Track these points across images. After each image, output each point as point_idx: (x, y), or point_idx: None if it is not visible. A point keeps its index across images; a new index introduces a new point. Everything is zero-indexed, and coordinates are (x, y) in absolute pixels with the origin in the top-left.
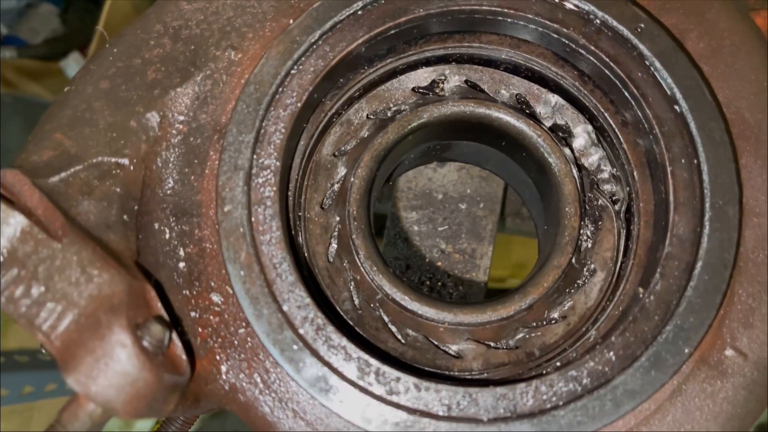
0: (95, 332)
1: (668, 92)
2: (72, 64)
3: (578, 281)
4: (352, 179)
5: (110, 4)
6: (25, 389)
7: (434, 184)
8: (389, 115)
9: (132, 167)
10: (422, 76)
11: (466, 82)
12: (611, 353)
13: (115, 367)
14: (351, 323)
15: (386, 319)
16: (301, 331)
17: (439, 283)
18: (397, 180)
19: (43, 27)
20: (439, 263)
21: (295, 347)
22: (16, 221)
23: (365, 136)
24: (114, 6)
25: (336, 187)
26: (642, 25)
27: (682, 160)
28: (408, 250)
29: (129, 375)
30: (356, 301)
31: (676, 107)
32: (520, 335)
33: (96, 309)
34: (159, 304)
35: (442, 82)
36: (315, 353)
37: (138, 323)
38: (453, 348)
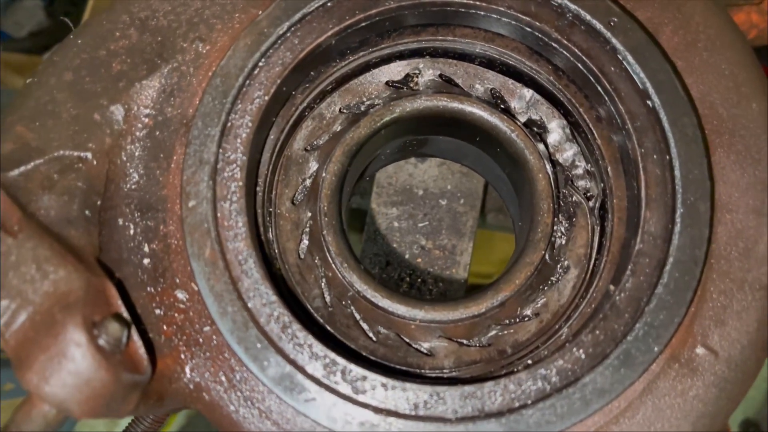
0: (50, 330)
1: (641, 87)
2: None
3: (552, 278)
4: (324, 174)
5: None
6: None
7: (415, 180)
8: (362, 109)
9: (95, 161)
10: (396, 70)
11: (440, 76)
12: (581, 351)
13: (69, 366)
14: (321, 321)
15: (357, 316)
16: (266, 329)
17: (419, 280)
18: (378, 175)
19: (28, 20)
20: (419, 259)
21: (259, 345)
22: None
23: (338, 130)
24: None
25: (308, 182)
26: (615, 19)
27: (654, 156)
28: (388, 246)
29: (84, 374)
30: (327, 299)
31: (649, 102)
32: (493, 332)
33: (51, 306)
34: (119, 302)
35: (416, 76)
36: (280, 351)
37: (95, 321)
38: (425, 345)
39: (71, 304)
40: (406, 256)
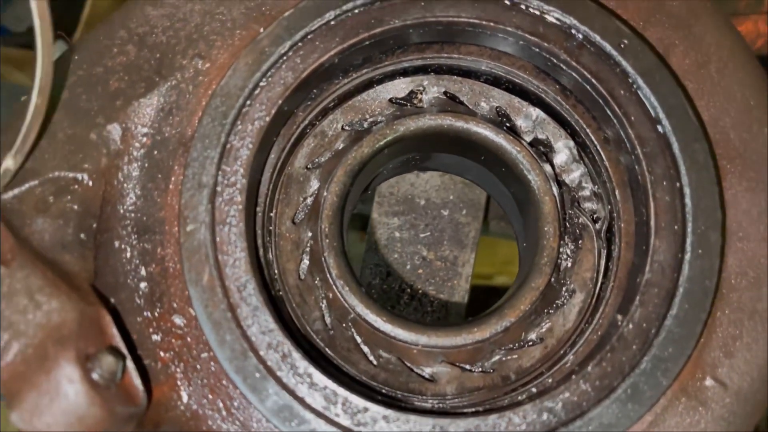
0: (42, 365)
1: (651, 112)
2: (57, 53)
3: (557, 302)
4: (326, 194)
5: None
6: None
7: (417, 190)
8: (365, 126)
9: (91, 182)
10: (400, 87)
11: (445, 93)
12: (587, 384)
13: (61, 403)
14: (322, 344)
15: (358, 339)
16: (265, 358)
17: (420, 291)
18: (379, 185)
19: (28, 15)
20: (421, 271)
21: (258, 375)
22: None
23: (340, 148)
24: None
25: (309, 201)
26: (625, 41)
27: (664, 183)
28: (389, 257)
29: (76, 412)
30: (328, 321)
31: (659, 127)
32: (496, 358)
33: (44, 339)
34: (114, 331)
35: (421, 93)
36: (279, 381)
37: (89, 354)
38: (427, 371)
39: (64, 337)
40: (407, 267)
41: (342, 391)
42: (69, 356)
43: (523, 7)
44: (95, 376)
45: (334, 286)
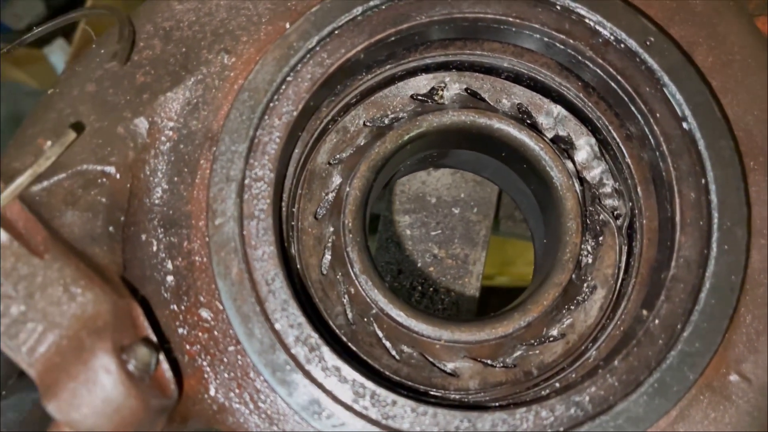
0: (78, 356)
1: (677, 109)
2: (56, 51)
3: (578, 297)
4: (348, 189)
5: None
6: None
7: (428, 188)
8: (387, 122)
9: (118, 176)
10: (421, 83)
11: (466, 90)
12: (614, 378)
13: (99, 394)
14: (344, 339)
15: (380, 334)
16: (293, 352)
17: (431, 289)
18: (391, 184)
19: (27, 13)
20: (432, 268)
21: (287, 368)
22: None
23: (362, 144)
24: None
25: (331, 196)
26: (651, 39)
27: (690, 179)
28: (400, 255)
29: (114, 402)
30: (350, 316)
31: (685, 124)
32: (518, 353)
33: (79, 330)
34: (146, 323)
35: (442, 90)
36: (308, 375)
37: (123, 345)
38: (449, 366)
39: (100, 328)
40: (419, 265)
41: (370, 385)
42: (105, 347)
43: (549, 4)
44: (131, 367)
45: (356, 281)
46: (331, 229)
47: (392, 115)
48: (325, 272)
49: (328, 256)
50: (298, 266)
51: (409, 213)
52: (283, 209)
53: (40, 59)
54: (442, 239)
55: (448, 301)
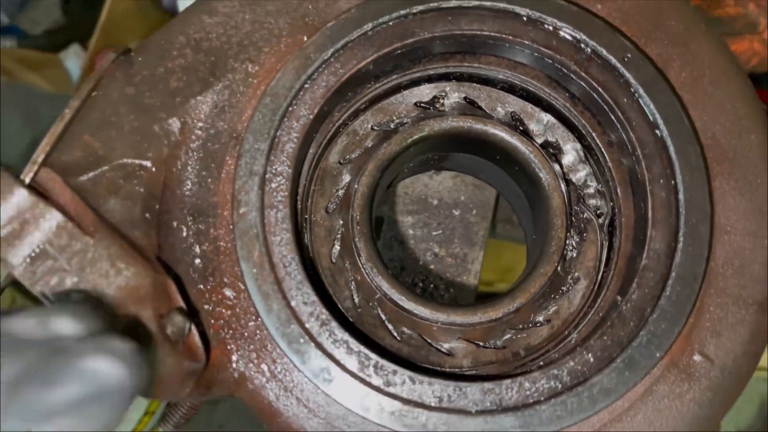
0: None
1: (650, 118)
2: (72, 57)
3: (563, 288)
4: (356, 186)
5: None
6: None
7: (430, 191)
8: (392, 127)
9: (154, 169)
10: (424, 92)
11: (465, 98)
12: (589, 354)
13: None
14: (351, 320)
15: (384, 317)
16: (307, 326)
17: (432, 285)
18: (395, 186)
19: (44, 18)
20: (432, 266)
21: (301, 340)
22: (52, 216)
23: (369, 146)
24: (116, 0)
25: (340, 192)
26: (629, 55)
27: (661, 181)
28: (403, 253)
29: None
30: (356, 300)
31: (657, 132)
32: (507, 336)
33: (125, 299)
34: (179, 296)
35: (443, 98)
36: (320, 346)
37: (162, 313)
38: (445, 346)
39: (142, 297)
40: (420, 263)
41: (374, 356)
42: (147, 314)
43: (539, 23)
44: (169, 331)
45: (362, 269)
46: (341, 222)
47: (397, 120)
48: (334, 261)
49: (337, 246)
50: (311, 254)
51: (412, 214)
52: (298, 203)
53: (55, 64)
54: (443, 239)
55: (447, 297)
